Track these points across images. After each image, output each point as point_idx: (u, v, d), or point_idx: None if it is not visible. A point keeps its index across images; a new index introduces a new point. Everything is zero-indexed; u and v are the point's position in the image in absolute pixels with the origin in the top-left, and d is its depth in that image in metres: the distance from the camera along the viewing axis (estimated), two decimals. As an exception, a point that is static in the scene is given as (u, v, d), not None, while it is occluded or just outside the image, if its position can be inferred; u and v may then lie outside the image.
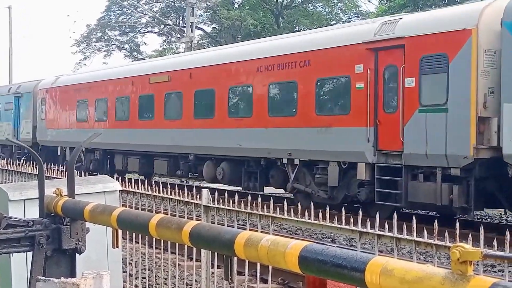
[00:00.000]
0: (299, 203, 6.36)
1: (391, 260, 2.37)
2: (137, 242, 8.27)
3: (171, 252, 7.49)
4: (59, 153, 27.92)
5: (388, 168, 14.29)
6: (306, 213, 5.90)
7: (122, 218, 3.92)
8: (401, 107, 13.96)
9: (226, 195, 6.90)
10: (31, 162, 12.53)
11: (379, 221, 5.37)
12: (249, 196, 6.89)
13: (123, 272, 7.46)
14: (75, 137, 26.19)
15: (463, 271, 2.12)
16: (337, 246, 2.71)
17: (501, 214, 16.50)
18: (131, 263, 8.28)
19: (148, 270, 8.25)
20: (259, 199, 6.72)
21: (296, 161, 16.60)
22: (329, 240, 12.60)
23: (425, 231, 5.06)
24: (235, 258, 3.38)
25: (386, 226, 5.39)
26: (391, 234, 5.13)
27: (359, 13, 45.84)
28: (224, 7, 43.97)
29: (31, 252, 4.31)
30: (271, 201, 6.56)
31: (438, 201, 13.15)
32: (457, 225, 4.90)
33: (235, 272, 5.26)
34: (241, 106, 18.94)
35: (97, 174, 10.41)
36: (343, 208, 7.08)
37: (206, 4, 44.98)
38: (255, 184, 18.50)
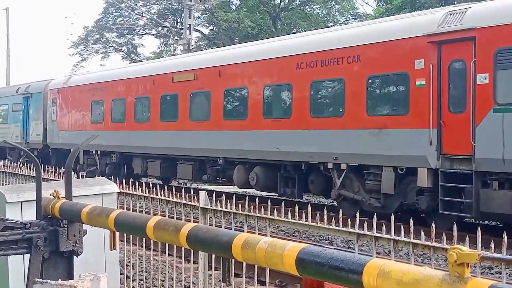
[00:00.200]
0: (340, 211, 5.82)
1: (388, 262, 2.37)
2: (134, 244, 8.26)
3: (169, 254, 7.48)
4: None
5: (453, 174, 12.91)
6: (304, 215, 5.90)
7: (119, 220, 3.92)
8: (471, 107, 12.55)
9: (223, 197, 6.90)
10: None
11: (376, 223, 5.38)
12: (247, 198, 6.89)
13: (121, 274, 7.45)
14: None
15: (461, 273, 2.12)
16: (334, 248, 2.72)
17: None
18: (129, 265, 8.26)
19: (146, 272, 8.25)
20: (257, 201, 6.71)
21: (343, 166, 15.12)
22: (327, 242, 12.60)
23: (422, 233, 5.07)
24: (233, 260, 3.38)
25: (384, 228, 5.39)
26: (388, 236, 5.14)
27: (356, 15, 45.90)
28: (222, 9, 43.96)
29: (29, 254, 4.30)
30: (269, 203, 6.57)
31: None
32: (455, 227, 4.90)
33: (233, 274, 5.26)
34: (278, 106, 17.47)
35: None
36: (340, 210, 7.09)
37: (204, 6, 44.95)
38: (293, 190, 17.03)
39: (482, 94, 12.47)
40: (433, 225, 5.11)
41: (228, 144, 18.43)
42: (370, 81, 14.69)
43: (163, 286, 7.66)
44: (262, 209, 6.39)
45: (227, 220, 6.66)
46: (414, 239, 4.94)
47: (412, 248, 4.91)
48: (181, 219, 6.46)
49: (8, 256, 4.96)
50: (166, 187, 7.63)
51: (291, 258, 2.70)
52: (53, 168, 12.26)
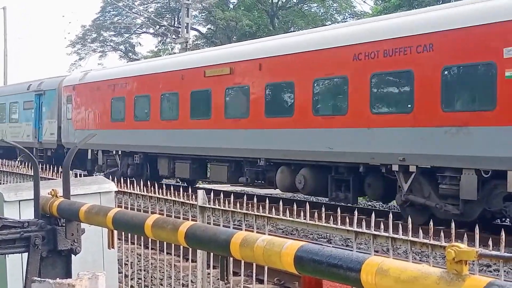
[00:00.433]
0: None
1: (386, 260, 2.37)
2: (132, 243, 8.27)
3: (167, 253, 7.48)
4: (89, 157, 25.35)
5: None
6: (302, 214, 5.90)
7: (117, 218, 3.92)
8: None
9: (221, 195, 6.90)
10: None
11: (374, 221, 5.38)
12: (245, 197, 6.89)
13: (119, 273, 7.45)
14: (109, 139, 23.49)
15: (459, 270, 2.12)
16: (332, 246, 2.72)
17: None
18: (127, 264, 8.27)
19: (144, 270, 8.24)
20: (255, 199, 6.71)
21: (412, 168, 13.52)
22: (325, 240, 12.60)
23: (420, 231, 5.07)
24: (231, 259, 3.39)
25: (382, 226, 5.39)
26: (386, 234, 5.14)
27: (354, 13, 45.93)
28: (219, 8, 43.98)
29: (27, 253, 4.30)
30: (267, 201, 6.57)
31: None
32: (453, 224, 4.91)
33: (231, 272, 5.26)
34: (331, 102, 15.76)
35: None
36: (338, 208, 7.08)
37: (201, 4, 44.96)
38: (347, 194, 15.41)
39: None
40: (431, 223, 5.10)
41: (270, 144, 16.96)
42: (445, 72, 13.08)
43: (161, 284, 7.66)
44: (260, 207, 6.39)
45: (225, 219, 6.66)
46: (412, 237, 4.94)
47: (410, 246, 4.91)
48: (179, 218, 6.47)
49: (6, 255, 4.96)
50: (164, 186, 7.62)
51: (289, 256, 2.70)
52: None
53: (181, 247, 6.63)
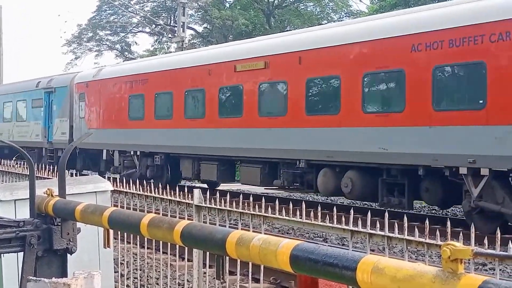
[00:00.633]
0: (334, 208, 5.36)
1: (382, 258, 2.37)
2: (128, 242, 8.26)
3: (163, 252, 7.48)
4: (104, 157, 24.01)
5: None
6: (298, 213, 5.90)
7: (113, 218, 3.91)
8: None
9: (217, 194, 6.90)
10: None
11: (370, 220, 5.39)
12: (241, 196, 6.89)
13: (115, 272, 7.44)
14: (127, 138, 22.28)
15: (454, 269, 2.12)
16: (328, 245, 2.72)
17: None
18: (123, 263, 8.26)
19: (140, 270, 8.24)
20: (251, 198, 6.72)
21: (484, 171, 12.03)
22: (321, 239, 12.61)
23: (416, 230, 5.07)
24: (227, 258, 3.38)
25: (378, 225, 5.39)
26: (382, 233, 5.14)
27: (350, 12, 45.95)
28: (216, 7, 43.95)
29: (22, 252, 4.29)
30: (263, 200, 6.57)
31: None
32: (448, 223, 4.91)
33: (227, 271, 5.26)
34: (384, 98, 14.39)
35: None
36: (334, 207, 7.09)
37: (197, 3, 44.91)
38: (401, 199, 13.95)
39: None
40: (427, 221, 5.10)
41: (312, 144, 15.52)
42: None
43: (157, 284, 7.66)
44: (257, 206, 6.39)
45: (221, 218, 6.66)
46: (408, 235, 4.94)
47: (406, 244, 4.92)
48: (175, 217, 6.47)
49: (2, 255, 4.95)
50: (160, 185, 7.61)
51: (285, 255, 2.70)
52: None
53: (177, 246, 6.63)
